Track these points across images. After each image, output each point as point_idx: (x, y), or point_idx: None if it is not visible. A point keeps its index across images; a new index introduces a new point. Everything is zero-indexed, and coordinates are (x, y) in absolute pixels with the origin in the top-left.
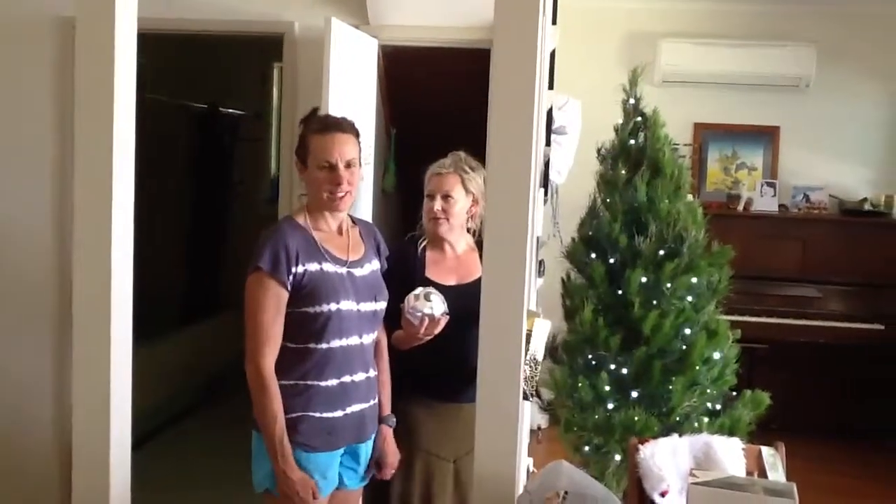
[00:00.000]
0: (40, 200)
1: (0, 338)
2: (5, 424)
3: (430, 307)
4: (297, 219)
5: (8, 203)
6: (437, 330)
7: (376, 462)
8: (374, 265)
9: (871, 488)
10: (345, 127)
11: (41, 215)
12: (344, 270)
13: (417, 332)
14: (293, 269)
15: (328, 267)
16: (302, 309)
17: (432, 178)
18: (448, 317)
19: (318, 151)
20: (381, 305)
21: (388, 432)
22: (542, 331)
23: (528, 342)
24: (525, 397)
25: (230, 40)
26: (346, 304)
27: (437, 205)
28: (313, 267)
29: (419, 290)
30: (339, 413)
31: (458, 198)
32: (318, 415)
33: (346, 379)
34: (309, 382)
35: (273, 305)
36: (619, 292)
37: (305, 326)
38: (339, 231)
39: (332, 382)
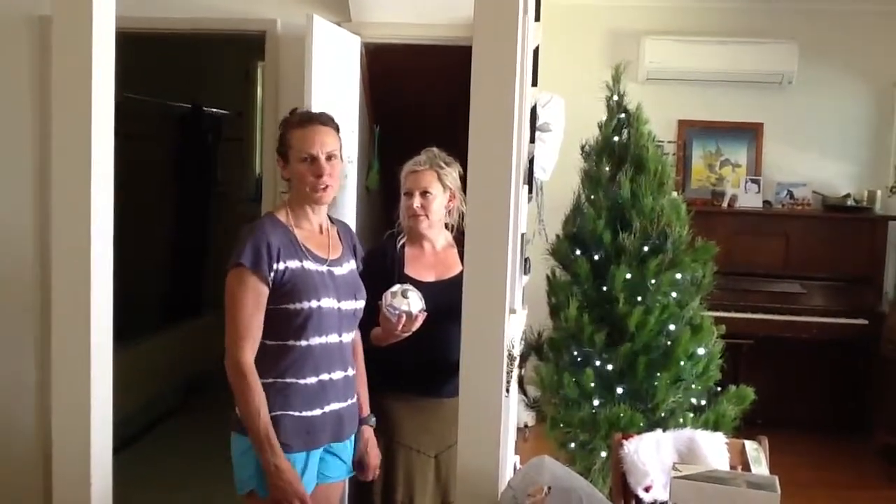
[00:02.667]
0: (20, 200)
1: None
2: None
3: (408, 304)
4: (279, 216)
5: None
6: (415, 327)
7: (358, 463)
8: (352, 264)
9: (855, 482)
10: (324, 119)
11: (21, 215)
12: (325, 269)
13: (395, 329)
14: (274, 266)
15: (309, 265)
16: (283, 306)
17: (409, 175)
18: (426, 314)
19: (299, 144)
20: (361, 304)
21: (370, 432)
22: (517, 324)
23: None
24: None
25: (212, 39)
26: (328, 302)
27: (416, 202)
28: (294, 264)
29: (396, 287)
30: (317, 412)
31: (436, 193)
32: (297, 413)
33: (325, 377)
34: (287, 380)
35: (253, 301)
36: (604, 289)
37: (285, 323)
38: (320, 230)
39: (311, 380)
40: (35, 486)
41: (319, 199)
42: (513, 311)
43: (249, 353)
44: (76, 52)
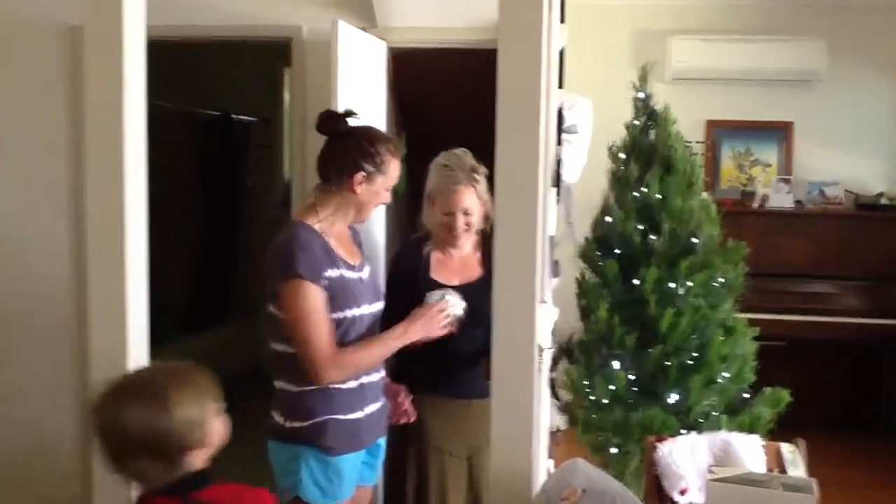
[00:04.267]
0: (55, 209)
1: (20, 344)
2: (28, 431)
3: (453, 307)
4: (310, 223)
5: (23, 212)
6: (449, 320)
7: (394, 412)
8: (369, 266)
9: (892, 483)
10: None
11: (56, 223)
12: (356, 275)
13: (440, 331)
14: (324, 274)
15: (346, 273)
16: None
17: (448, 194)
18: (462, 306)
19: (392, 174)
20: (382, 305)
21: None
22: (548, 318)
23: None
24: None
25: (240, 47)
26: (365, 308)
27: (461, 221)
28: (334, 273)
29: (436, 294)
30: (360, 414)
31: (475, 209)
32: (342, 417)
33: (364, 380)
34: (331, 386)
35: (320, 308)
36: (634, 291)
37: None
38: (345, 237)
39: (353, 384)
40: (74, 493)
41: (363, 221)
42: (543, 301)
43: (332, 358)
44: (107, 61)
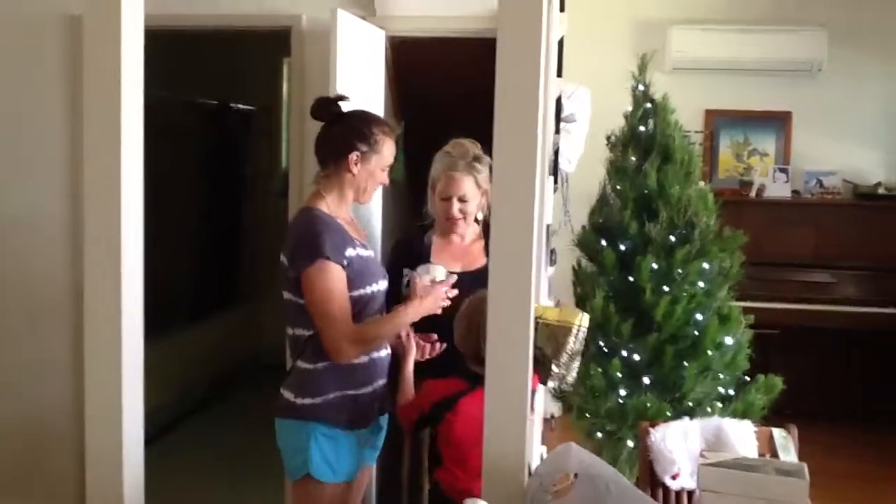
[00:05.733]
0: (53, 197)
1: (18, 331)
2: (26, 419)
3: (433, 274)
4: (322, 208)
5: (21, 200)
6: (450, 293)
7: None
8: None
9: (885, 473)
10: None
11: (54, 211)
12: (368, 253)
13: (433, 302)
14: (346, 254)
15: (361, 251)
16: (352, 293)
17: (446, 179)
18: (454, 276)
19: (389, 154)
20: (387, 284)
21: None
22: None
23: (576, 337)
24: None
25: (240, 36)
26: (379, 285)
27: (456, 207)
28: (352, 253)
29: (421, 268)
30: (369, 389)
31: (473, 197)
32: (353, 392)
33: (375, 355)
34: (342, 363)
35: (342, 288)
36: (631, 279)
37: (353, 310)
38: (349, 218)
39: (364, 359)
40: (70, 475)
41: (366, 202)
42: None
43: (355, 343)
44: (106, 50)
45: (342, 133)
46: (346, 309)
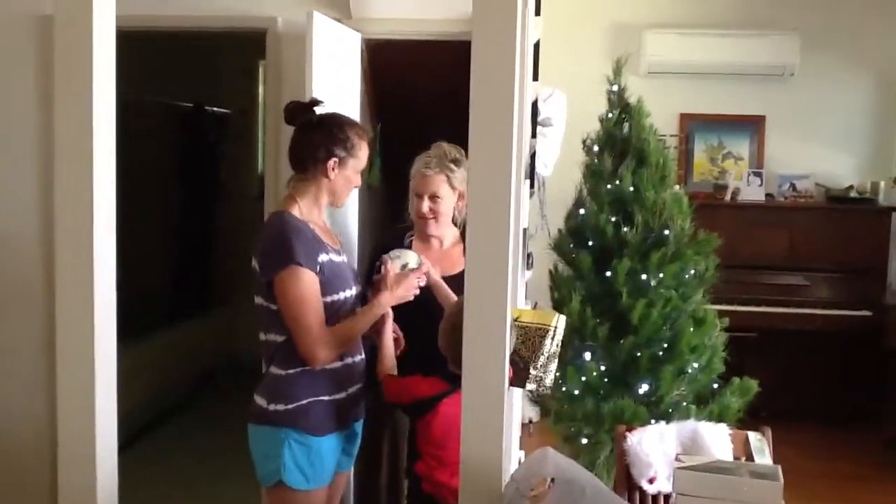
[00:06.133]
0: (24, 199)
1: None
2: None
3: (405, 259)
4: (295, 213)
5: None
6: (422, 281)
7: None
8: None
9: (859, 473)
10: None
11: (25, 214)
12: (341, 259)
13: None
14: (317, 260)
15: (333, 257)
16: (324, 299)
17: (419, 177)
18: (427, 265)
19: (363, 157)
20: (359, 289)
21: None
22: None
23: (552, 338)
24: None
25: (214, 38)
26: (350, 291)
27: (425, 205)
28: (325, 258)
29: (393, 252)
30: (343, 394)
31: (445, 196)
32: (326, 398)
33: (349, 360)
34: (315, 368)
35: (315, 294)
36: (607, 283)
37: (325, 315)
38: (323, 223)
39: (337, 364)
40: (42, 481)
41: (341, 206)
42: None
43: (324, 340)
44: (77, 50)
45: (320, 139)
46: (319, 314)
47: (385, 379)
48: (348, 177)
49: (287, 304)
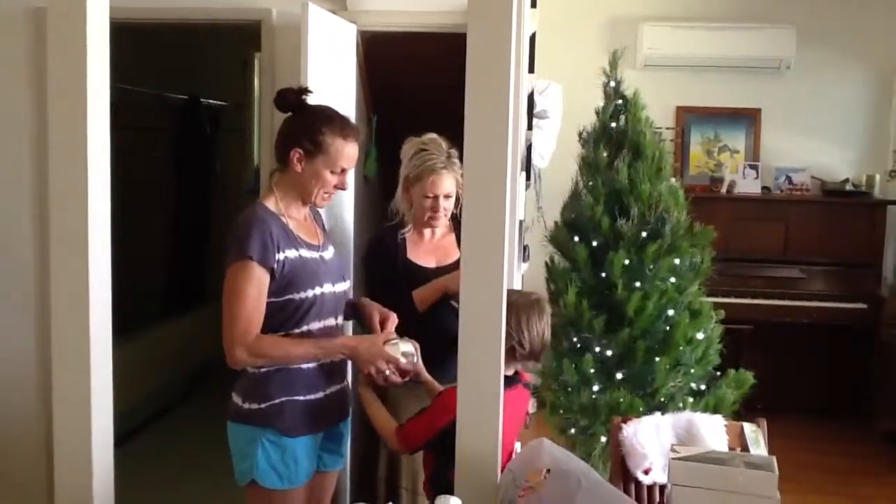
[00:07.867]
0: (18, 194)
1: None
2: None
3: (403, 348)
4: (269, 206)
5: None
6: (392, 377)
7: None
8: (332, 247)
9: (856, 467)
10: (357, 133)
11: (19, 209)
12: (317, 255)
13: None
14: (277, 257)
15: (305, 253)
16: (287, 296)
17: (432, 177)
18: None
19: (337, 155)
20: (348, 285)
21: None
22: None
23: None
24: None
25: (209, 29)
26: (327, 288)
27: (441, 205)
28: (292, 254)
29: (395, 338)
30: (320, 395)
31: (454, 193)
32: (300, 398)
33: (326, 360)
34: (291, 366)
35: (257, 294)
36: (603, 275)
37: (288, 313)
38: (304, 218)
39: (311, 364)
40: (38, 478)
41: (323, 205)
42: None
43: (243, 350)
44: (71, 43)
45: (289, 129)
46: (252, 314)
47: (394, 435)
48: (318, 172)
49: (225, 295)
